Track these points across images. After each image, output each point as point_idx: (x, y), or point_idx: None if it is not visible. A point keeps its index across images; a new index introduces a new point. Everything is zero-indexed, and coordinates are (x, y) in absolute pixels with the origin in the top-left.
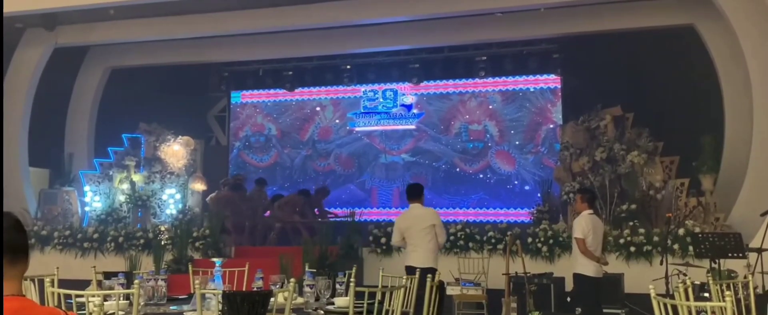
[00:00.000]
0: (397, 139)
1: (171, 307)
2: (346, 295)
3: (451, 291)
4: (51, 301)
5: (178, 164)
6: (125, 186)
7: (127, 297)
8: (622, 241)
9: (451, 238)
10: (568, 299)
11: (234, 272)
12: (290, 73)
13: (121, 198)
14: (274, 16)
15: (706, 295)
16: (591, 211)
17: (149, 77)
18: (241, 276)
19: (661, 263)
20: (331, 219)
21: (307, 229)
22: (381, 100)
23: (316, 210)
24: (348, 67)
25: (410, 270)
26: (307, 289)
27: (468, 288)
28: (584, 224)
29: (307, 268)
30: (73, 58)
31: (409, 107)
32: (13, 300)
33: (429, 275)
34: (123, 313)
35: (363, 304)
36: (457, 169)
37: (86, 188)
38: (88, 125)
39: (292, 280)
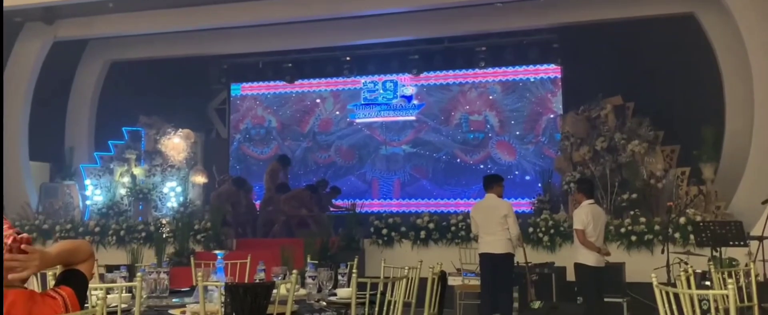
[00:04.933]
0: (398, 130)
1: (173, 300)
2: (348, 286)
3: (452, 281)
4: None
5: (179, 157)
6: (126, 179)
7: (129, 290)
8: (623, 230)
9: (452, 228)
10: (576, 289)
11: (236, 264)
12: (290, 65)
13: (122, 191)
14: (274, 8)
15: (708, 283)
16: (591, 201)
17: (149, 70)
18: (244, 268)
19: (663, 252)
20: (335, 212)
21: (313, 223)
22: (381, 91)
23: (331, 208)
24: (348, 58)
25: (487, 257)
26: (309, 280)
27: (469, 278)
28: (583, 215)
29: (308, 260)
30: (73, 51)
31: (409, 98)
32: (19, 292)
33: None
34: (125, 305)
35: (365, 294)
36: (458, 160)
37: (87, 182)
38: (88, 119)
39: (294, 271)
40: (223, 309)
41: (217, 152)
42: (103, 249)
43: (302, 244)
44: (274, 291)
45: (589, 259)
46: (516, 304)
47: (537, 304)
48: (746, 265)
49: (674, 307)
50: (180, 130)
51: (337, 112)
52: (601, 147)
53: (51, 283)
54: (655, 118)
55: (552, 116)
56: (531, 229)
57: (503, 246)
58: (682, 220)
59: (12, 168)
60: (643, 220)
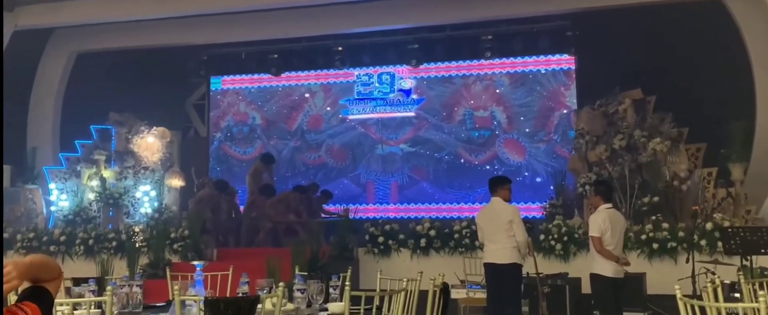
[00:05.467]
0: (395, 127)
1: None
2: (341, 300)
3: (455, 294)
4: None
5: (153, 158)
6: (94, 183)
7: (98, 305)
8: (643, 237)
9: (455, 236)
10: (592, 302)
11: (216, 276)
12: (276, 56)
13: (91, 196)
14: None
15: (737, 295)
16: (608, 205)
17: (120, 62)
18: (225, 280)
19: (687, 261)
20: (326, 218)
21: (303, 230)
22: (376, 84)
23: (322, 214)
24: (340, 48)
25: (491, 268)
26: (297, 294)
27: (475, 291)
28: (600, 221)
29: (297, 271)
30: (36, 41)
31: (407, 92)
32: None
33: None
34: None
35: (359, 309)
36: (462, 160)
37: (51, 186)
38: (52, 116)
39: (281, 284)
40: None
41: (195, 152)
42: (69, 260)
43: (290, 254)
44: (259, 306)
45: (607, 269)
46: None
47: None
48: None
49: None
50: (154, 128)
51: (328, 108)
52: (620, 145)
53: (11, 297)
54: (678, 114)
55: (565, 112)
56: (542, 237)
57: (508, 255)
58: (708, 225)
59: None
60: (665, 225)
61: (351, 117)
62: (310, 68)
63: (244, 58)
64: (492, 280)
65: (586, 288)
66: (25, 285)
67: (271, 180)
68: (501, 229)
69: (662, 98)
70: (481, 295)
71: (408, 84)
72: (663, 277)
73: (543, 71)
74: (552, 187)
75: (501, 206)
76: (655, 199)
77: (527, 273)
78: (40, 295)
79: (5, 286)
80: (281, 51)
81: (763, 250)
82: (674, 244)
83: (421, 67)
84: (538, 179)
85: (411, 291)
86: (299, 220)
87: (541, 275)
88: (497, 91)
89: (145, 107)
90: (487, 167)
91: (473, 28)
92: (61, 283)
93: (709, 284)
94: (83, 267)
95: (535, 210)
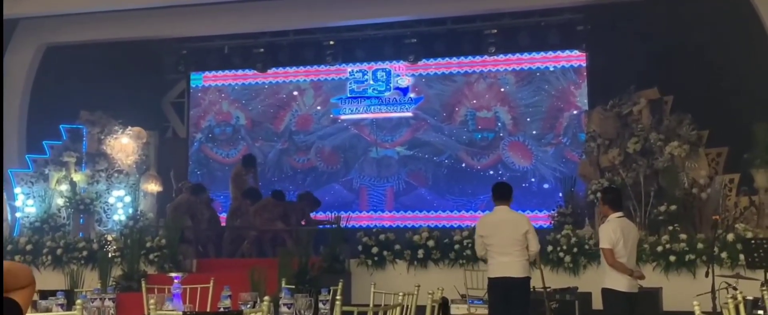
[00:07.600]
0: (391, 128)
1: None
2: None
3: (455, 310)
4: None
5: (128, 160)
6: (64, 187)
7: None
8: (659, 248)
9: (456, 247)
10: None
11: (196, 290)
12: (261, 50)
13: (60, 201)
14: None
15: (761, 312)
16: (619, 214)
17: (92, 56)
18: (205, 294)
19: (707, 275)
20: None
21: (291, 239)
22: (371, 82)
23: (303, 222)
24: (331, 43)
25: (501, 282)
26: (284, 308)
27: (476, 306)
28: (610, 231)
29: (283, 284)
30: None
31: (404, 91)
32: None
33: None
34: None
35: None
36: (463, 165)
37: (17, 190)
38: (18, 114)
39: (266, 298)
40: None
41: (173, 155)
42: (36, 271)
43: (276, 265)
44: None
45: (620, 283)
46: None
47: None
48: None
49: None
50: (129, 128)
51: (318, 107)
52: (634, 149)
53: None
54: (698, 115)
55: (575, 112)
56: (550, 248)
57: (522, 268)
58: (730, 236)
59: None
60: (683, 236)
61: (343, 117)
62: (299, 64)
63: (227, 53)
64: (500, 296)
65: (597, 303)
66: None
67: (256, 183)
68: (516, 241)
69: (680, 98)
70: (483, 310)
71: (405, 82)
72: (681, 292)
73: (551, 68)
74: (561, 194)
75: (513, 216)
76: (673, 207)
77: (534, 287)
78: (6, 308)
79: None
80: (267, 45)
81: None
82: (693, 257)
83: (420, 63)
84: (546, 185)
85: (407, 306)
86: (287, 228)
87: (548, 290)
88: (502, 89)
89: (120, 105)
90: (491, 172)
91: (476, 22)
92: (33, 292)
93: (730, 300)
94: (51, 279)
95: (542, 219)
